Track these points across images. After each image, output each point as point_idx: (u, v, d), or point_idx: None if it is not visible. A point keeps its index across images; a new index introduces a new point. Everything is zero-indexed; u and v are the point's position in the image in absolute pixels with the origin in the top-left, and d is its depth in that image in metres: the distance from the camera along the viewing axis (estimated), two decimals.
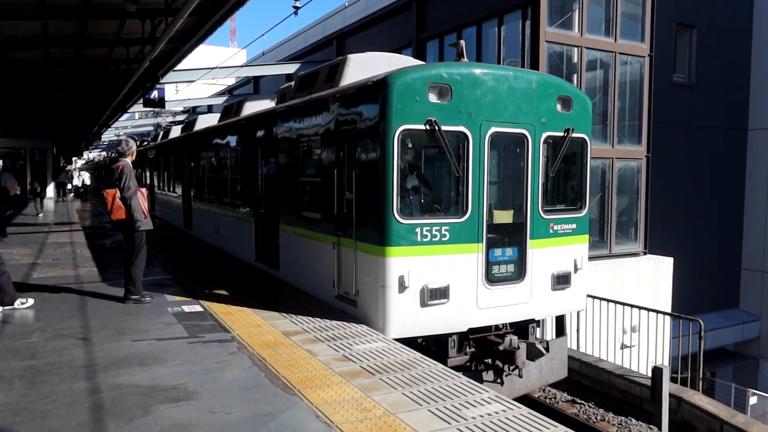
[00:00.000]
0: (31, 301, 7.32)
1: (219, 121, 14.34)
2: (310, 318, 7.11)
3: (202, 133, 14.90)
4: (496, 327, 7.41)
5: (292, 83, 10.29)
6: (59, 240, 14.85)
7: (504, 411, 4.50)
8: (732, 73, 22.81)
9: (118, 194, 7.63)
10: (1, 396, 4.64)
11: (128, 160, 7.88)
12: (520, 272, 7.25)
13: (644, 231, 16.78)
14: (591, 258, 10.28)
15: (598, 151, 15.04)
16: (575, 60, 15.51)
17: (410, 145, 6.66)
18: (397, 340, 6.39)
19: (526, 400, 8.32)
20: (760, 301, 23.31)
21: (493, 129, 6.91)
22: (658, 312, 10.15)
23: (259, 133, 10.38)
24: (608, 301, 10.57)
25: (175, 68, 17.01)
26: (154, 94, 19.21)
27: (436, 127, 6.51)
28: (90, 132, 34.85)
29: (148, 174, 23.63)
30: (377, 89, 6.58)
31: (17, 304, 7.19)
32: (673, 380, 9.05)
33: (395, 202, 6.43)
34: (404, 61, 8.94)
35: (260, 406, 4.51)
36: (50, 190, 32.70)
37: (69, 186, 29.91)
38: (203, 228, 14.61)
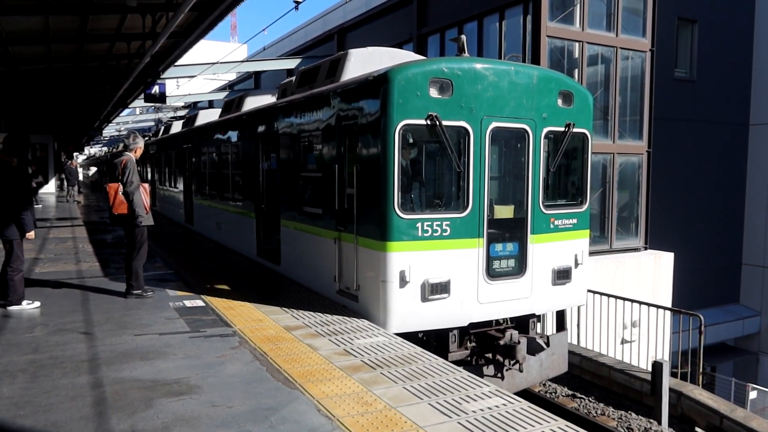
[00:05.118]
0: (37, 303, 7.30)
1: (220, 117, 14.34)
2: (311, 313, 7.13)
3: (203, 129, 14.90)
4: (497, 322, 7.43)
5: (293, 78, 10.29)
6: (61, 235, 14.87)
7: (504, 405, 4.52)
8: (733, 69, 22.74)
9: (121, 189, 7.66)
10: (5, 390, 4.67)
11: (132, 155, 7.90)
12: (520, 267, 7.27)
13: (645, 226, 16.79)
14: (592, 253, 10.29)
15: (599, 146, 15.04)
16: (576, 55, 15.49)
17: (411, 140, 6.66)
18: (397, 334, 6.41)
19: (526, 394, 8.35)
20: (761, 296, 23.32)
21: (494, 124, 6.91)
22: (658, 307, 10.17)
23: (260, 129, 10.38)
24: (609, 296, 10.58)
25: (176, 63, 16.98)
26: (155, 89, 19.15)
27: (437, 122, 6.51)
28: (91, 127, 34.85)
29: (149, 169, 23.63)
30: (378, 84, 6.58)
31: (24, 304, 7.20)
32: (673, 375, 9.08)
33: (396, 197, 6.45)
34: (405, 56, 8.93)
35: (262, 399, 4.53)
36: (51, 186, 32.66)
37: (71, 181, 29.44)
38: (205, 223, 14.63)
